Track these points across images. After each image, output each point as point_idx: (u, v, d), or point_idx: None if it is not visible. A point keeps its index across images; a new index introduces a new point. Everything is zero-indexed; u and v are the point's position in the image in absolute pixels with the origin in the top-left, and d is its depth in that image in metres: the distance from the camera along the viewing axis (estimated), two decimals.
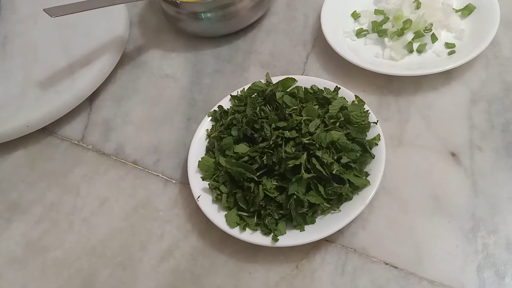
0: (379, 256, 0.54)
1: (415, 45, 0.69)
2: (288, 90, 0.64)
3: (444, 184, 0.58)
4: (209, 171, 0.59)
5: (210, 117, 0.65)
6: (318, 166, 0.53)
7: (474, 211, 0.56)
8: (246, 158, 0.57)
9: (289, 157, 0.54)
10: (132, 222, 0.61)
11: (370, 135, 0.58)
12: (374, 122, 0.59)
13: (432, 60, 0.67)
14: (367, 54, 0.70)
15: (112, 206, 0.63)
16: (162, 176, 0.65)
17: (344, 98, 0.62)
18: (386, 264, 0.54)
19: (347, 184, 0.54)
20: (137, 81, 0.76)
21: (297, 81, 0.65)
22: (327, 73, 0.71)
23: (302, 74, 0.71)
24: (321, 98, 0.62)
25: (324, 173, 0.53)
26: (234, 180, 0.56)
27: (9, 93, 0.72)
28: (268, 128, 0.58)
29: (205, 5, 0.73)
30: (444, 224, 0.55)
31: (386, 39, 0.70)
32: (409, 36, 0.69)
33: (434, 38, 0.69)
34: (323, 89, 0.63)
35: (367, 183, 0.54)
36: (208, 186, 0.58)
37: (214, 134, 0.62)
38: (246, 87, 0.66)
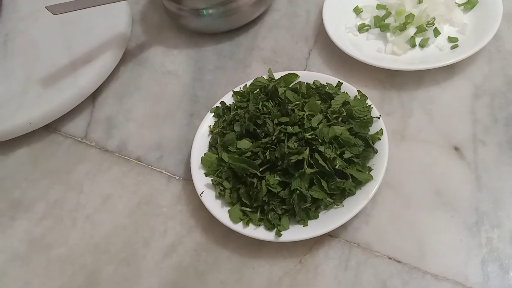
0: (383, 250, 0.54)
1: (418, 40, 0.69)
2: (290, 85, 0.64)
3: (447, 179, 0.58)
4: (212, 167, 0.59)
5: (213, 113, 0.65)
6: (321, 161, 0.53)
7: (477, 205, 0.55)
8: (249, 153, 0.57)
9: (291, 152, 0.54)
10: (136, 218, 0.61)
11: (372, 129, 0.58)
12: (376, 117, 0.59)
13: (434, 55, 0.67)
14: (369, 49, 0.70)
15: (115, 202, 0.63)
16: (165, 172, 0.65)
17: (346, 93, 0.61)
18: (390, 258, 0.54)
19: (350, 179, 0.54)
20: (139, 78, 0.76)
21: (299, 76, 0.65)
22: (329, 68, 0.71)
23: (304, 70, 0.71)
24: (323, 93, 0.62)
25: (327, 168, 0.53)
26: (237, 175, 0.56)
27: (11, 91, 0.72)
28: (270, 123, 0.58)
29: (206, 2, 0.73)
30: (447, 218, 0.55)
31: (388, 34, 0.70)
32: (411, 30, 0.69)
33: (436, 33, 0.68)
34: (326, 84, 0.63)
35: (370, 178, 0.54)
36: (211, 182, 0.58)
37: (217, 130, 0.62)
38: (248, 83, 0.66)
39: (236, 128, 0.60)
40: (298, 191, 0.53)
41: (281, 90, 0.62)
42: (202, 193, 0.57)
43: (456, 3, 0.71)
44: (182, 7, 0.75)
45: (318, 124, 0.56)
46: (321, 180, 0.53)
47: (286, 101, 0.60)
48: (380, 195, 0.57)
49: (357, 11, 0.75)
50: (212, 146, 0.62)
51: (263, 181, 0.54)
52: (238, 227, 0.54)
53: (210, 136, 0.63)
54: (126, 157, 0.67)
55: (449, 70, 0.66)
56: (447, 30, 0.70)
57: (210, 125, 0.64)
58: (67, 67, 0.73)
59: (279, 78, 0.65)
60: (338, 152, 0.54)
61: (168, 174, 0.65)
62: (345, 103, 0.60)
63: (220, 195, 0.57)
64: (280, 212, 0.54)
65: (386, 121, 0.59)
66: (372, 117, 0.59)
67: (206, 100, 0.71)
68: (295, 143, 0.55)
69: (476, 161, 0.59)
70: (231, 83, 0.72)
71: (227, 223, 0.55)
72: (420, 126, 0.63)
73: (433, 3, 0.70)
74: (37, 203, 0.65)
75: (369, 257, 0.54)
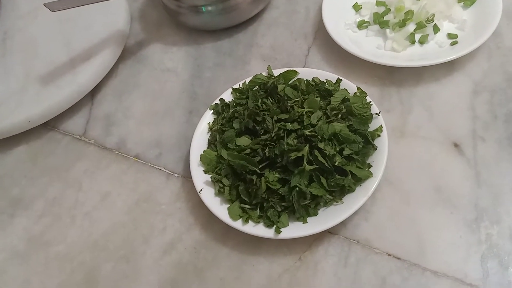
0: (382, 247, 0.54)
1: (417, 36, 0.69)
2: (289, 82, 0.64)
3: (446, 175, 0.58)
4: (211, 164, 0.59)
5: (212, 110, 0.65)
6: (320, 158, 0.53)
7: (477, 202, 0.55)
8: (248, 150, 0.56)
9: (291, 149, 0.54)
10: (135, 216, 0.61)
11: (372, 126, 0.58)
12: (376, 114, 0.59)
13: (434, 51, 0.67)
14: (369, 46, 0.70)
15: (114, 200, 0.63)
16: (164, 170, 0.65)
17: (346, 90, 0.61)
18: (389, 255, 0.54)
19: (350, 176, 0.54)
20: (138, 76, 0.76)
21: (298, 73, 0.65)
22: (328, 65, 0.71)
23: (303, 67, 0.71)
24: (323, 90, 0.61)
25: (327, 165, 0.53)
26: (236, 172, 0.56)
27: (10, 89, 0.72)
28: (270, 120, 0.57)
29: None
30: (447, 215, 0.55)
31: (387, 31, 0.70)
32: (411, 27, 0.69)
33: (436, 29, 0.68)
34: (325, 81, 0.63)
35: (369, 175, 0.54)
36: (210, 179, 0.58)
37: (216, 127, 0.62)
38: (247, 80, 0.66)
39: (235, 125, 0.60)
40: (297, 188, 0.53)
41: (280, 87, 0.61)
42: (201, 190, 0.57)
43: None
44: (181, 4, 0.75)
45: (318, 121, 0.56)
46: (321, 177, 0.53)
47: (286, 98, 0.60)
48: (379, 191, 0.57)
49: (357, 7, 0.75)
50: (211, 143, 0.62)
51: (263, 178, 0.54)
52: (238, 224, 0.54)
53: (209, 133, 0.63)
54: (125, 155, 0.67)
55: (449, 67, 0.66)
56: (446, 27, 0.69)
57: (209, 122, 0.64)
58: (65, 65, 0.73)
59: (278, 75, 0.65)
60: (337, 149, 0.54)
61: (167, 171, 0.65)
62: (345, 100, 0.60)
63: (219, 192, 0.57)
64: (279, 209, 0.54)
65: (386, 118, 0.59)
66: (371, 114, 0.59)
67: (205, 97, 0.71)
68: (294, 140, 0.55)
69: (475, 158, 0.59)
70: (230, 80, 0.72)
71: (226, 220, 0.55)
72: (419, 122, 0.62)
73: (432, 0, 0.69)
74: (36, 200, 0.65)
75: (369, 254, 0.54)
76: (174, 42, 0.79)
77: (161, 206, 0.62)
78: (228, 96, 0.66)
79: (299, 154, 0.53)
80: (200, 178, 0.58)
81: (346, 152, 0.54)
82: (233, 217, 0.55)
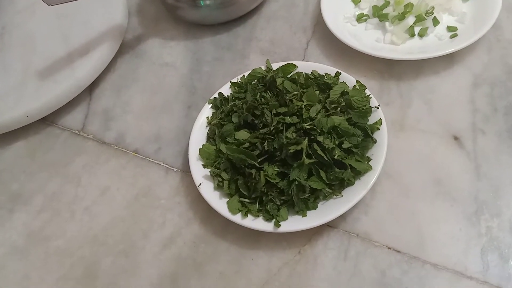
0: (382, 240, 0.54)
1: (417, 29, 0.68)
2: (288, 76, 0.64)
3: (446, 168, 0.58)
4: (210, 158, 0.59)
5: (211, 105, 0.65)
6: (319, 152, 0.53)
7: (477, 195, 0.55)
8: (247, 144, 0.56)
9: (290, 143, 0.53)
10: (134, 210, 0.61)
11: (371, 120, 0.58)
12: (375, 107, 0.58)
13: (433, 44, 0.67)
14: (368, 39, 0.69)
15: (113, 195, 0.63)
16: (163, 164, 0.65)
17: (345, 83, 0.61)
18: (389, 248, 0.53)
19: (349, 169, 0.54)
20: (136, 70, 0.76)
21: (297, 67, 0.64)
22: (327, 59, 0.71)
23: (302, 60, 0.71)
24: (322, 84, 0.61)
25: (326, 159, 0.53)
26: (235, 166, 0.56)
27: (8, 84, 0.72)
28: (268, 114, 0.57)
29: None
30: (446, 208, 0.55)
31: (387, 24, 0.69)
32: (410, 20, 0.68)
33: (435, 22, 0.68)
34: (324, 74, 0.63)
35: (369, 168, 0.54)
36: (209, 174, 0.58)
37: (215, 121, 0.62)
38: (246, 74, 0.66)
39: (234, 119, 0.60)
40: (296, 182, 0.53)
41: (279, 80, 0.61)
42: (200, 184, 0.57)
43: None
44: None
45: (317, 114, 0.56)
46: (320, 170, 0.53)
47: (284, 92, 0.60)
48: (379, 185, 0.57)
49: (356, 1, 0.74)
50: (210, 137, 0.62)
51: (262, 171, 0.54)
52: (237, 218, 0.54)
53: (208, 127, 0.63)
54: (123, 149, 0.67)
55: (449, 60, 0.66)
56: (446, 19, 0.69)
57: (208, 117, 0.64)
58: (64, 60, 0.73)
59: (277, 68, 0.65)
60: (336, 142, 0.54)
61: (166, 166, 0.64)
62: (344, 93, 0.60)
63: (218, 187, 0.57)
64: (278, 203, 0.54)
65: (385, 111, 0.59)
66: (371, 107, 0.59)
67: (204, 92, 0.71)
68: (293, 134, 0.55)
69: (475, 151, 0.58)
70: (229, 74, 0.71)
71: (225, 214, 0.54)
72: (419, 115, 0.62)
73: None
74: (35, 196, 0.65)
75: (368, 247, 0.54)
76: (173, 37, 0.79)
77: (160, 200, 0.61)
78: (226, 90, 0.65)
79: (298, 148, 0.53)
80: (199, 172, 0.58)
81: (346, 145, 0.54)
82: (232, 211, 0.54)
